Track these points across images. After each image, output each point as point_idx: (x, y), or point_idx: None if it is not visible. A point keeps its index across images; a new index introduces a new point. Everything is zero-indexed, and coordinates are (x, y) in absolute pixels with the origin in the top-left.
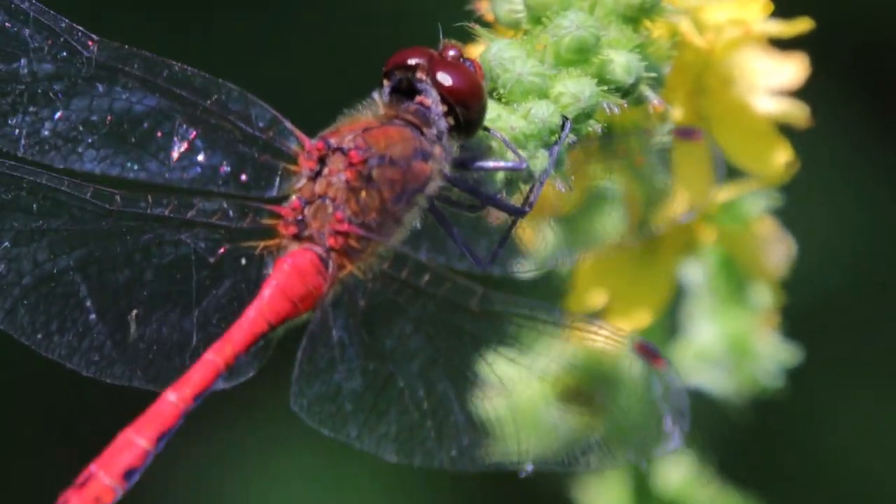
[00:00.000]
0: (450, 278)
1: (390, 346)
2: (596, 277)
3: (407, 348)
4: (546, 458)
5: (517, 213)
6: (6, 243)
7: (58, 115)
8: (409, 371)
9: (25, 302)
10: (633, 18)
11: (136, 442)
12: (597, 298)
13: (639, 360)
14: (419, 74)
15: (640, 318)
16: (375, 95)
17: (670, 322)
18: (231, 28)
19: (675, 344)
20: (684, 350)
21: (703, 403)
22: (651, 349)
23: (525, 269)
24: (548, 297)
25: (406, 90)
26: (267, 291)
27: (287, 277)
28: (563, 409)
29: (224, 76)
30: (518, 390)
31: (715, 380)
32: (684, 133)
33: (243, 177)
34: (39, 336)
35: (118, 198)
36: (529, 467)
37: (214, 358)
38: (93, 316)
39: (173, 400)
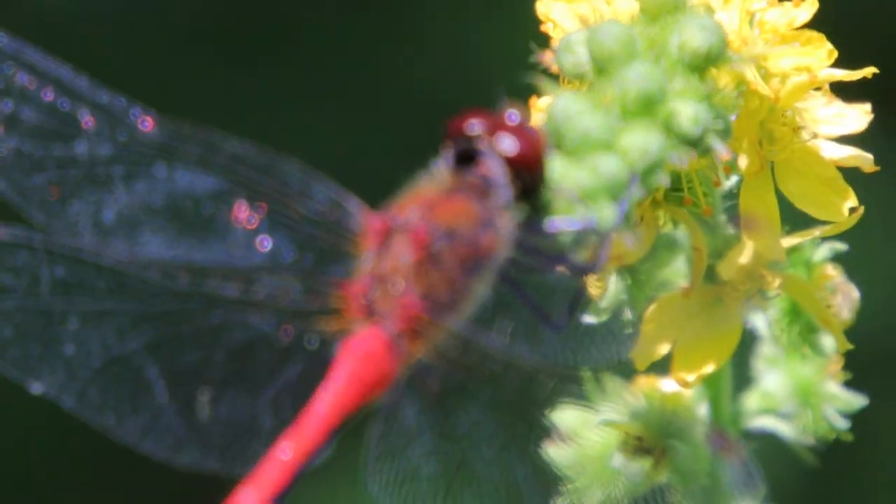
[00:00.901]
0: (520, 366)
1: (463, 432)
2: (661, 327)
3: (480, 433)
4: None
5: (587, 272)
6: (74, 325)
7: (120, 199)
8: (482, 456)
9: (95, 384)
10: (699, 68)
11: None
12: (662, 348)
13: (710, 449)
14: (481, 140)
15: (706, 366)
16: (437, 162)
17: (736, 369)
18: (286, 89)
19: (741, 391)
20: (750, 396)
21: (769, 449)
22: (723, 437)
23: (592, 320)
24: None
25: (468, 156)
26: (338, 380)
27: (358, 363)
28: (630, 460)
29: (276, 139)
30: (586, 442)
31: (780, 426)
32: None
33: (308, 260)
34: (111, 419)
35: (185, 278)
36: None
37: (288, 454)
38: (164, 398)
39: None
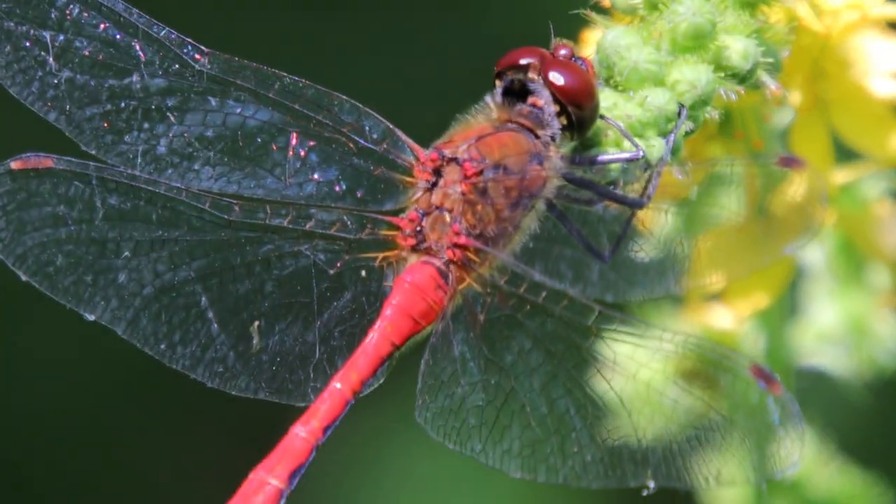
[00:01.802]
0: (567, 295)
1: (510, 361)
2: (713, 261)
3: (527, 363)
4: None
5: (636, 205)
6: (126, 253)
7: (172, 131)
8: (529, 386)
9: (147, 312)
10: (750, 4)
11: (268, 482)
12: (714, 282)
13: (755, 385)
14: (531, 74)
15: (758, 301)
16: (488, 98)
17: (789, 303)
18: (335, 30)
19: (793, 325)
20: (803, 331)
21: (822, 384)
22: (767, 373)
23: (644, 254)
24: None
25: (518, 91)
26: (388, 311)
27: (408, 295)
28: (684, 387)
29: (329, 82)
30: (638, 372)
31: (834, 360)
32: (787, 161)
33: (359, 192)
34: (163, 346)
35: (237, 208)
36: (652, 484)
37: (342, 387)
38: (215, 327)
39: (303, 434)
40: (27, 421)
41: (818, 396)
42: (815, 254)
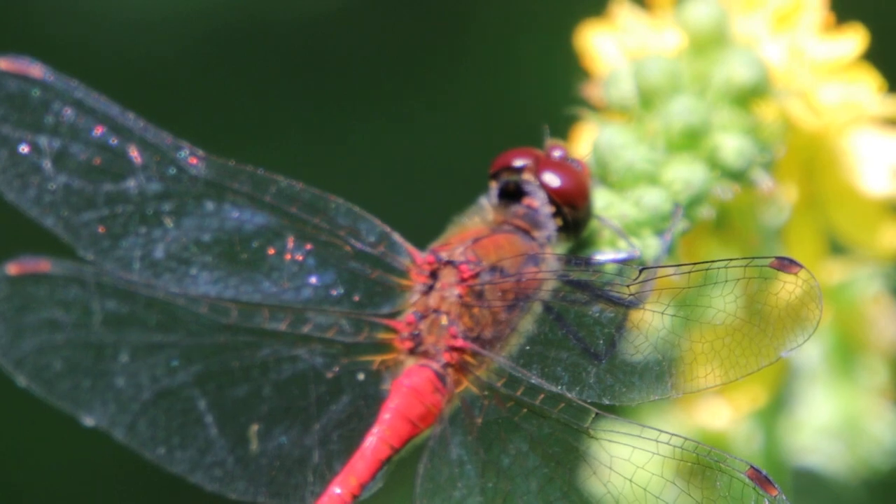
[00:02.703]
0: (564, 398)
1: (507, 464)
2: (710, 364)
3: (524, 466)
4: None
5: (631, 306)
6: (124, 358)
7: (169, 236)
8: (526, 489)
9: (145, 417)
10: (744, 101)
11: None
12: (712, 385)
13: (752, 487)
14: (526, 176)
15: (754, 398)
16: (483, 199)
17: (784, 401)
18: (332, 133)
19: (789, 422)
20: (799, 429)
21: (818, 483)
22: (763, 476)
23: (640, 356)
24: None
25: (513, 192)
26: (387, 415)
27: (406, 398)
28: (681, 489)
29: (323, 185)
30: (634, 475)
31: (830, 459)
32: (783, 264)
33: (356, 295)
34: (161, 451)
35: (234, 312)
36: None
37: (341, 492)
38: (213, 431)
39: None
40: None
41: (814, 496)
42: (810, 350)
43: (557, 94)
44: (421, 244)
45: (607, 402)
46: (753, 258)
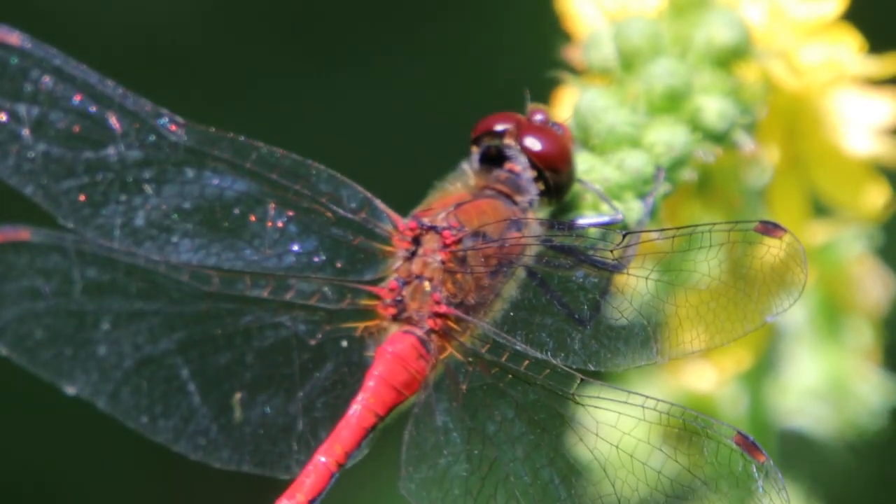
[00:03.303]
0: (549, 364)
1: (493, 431)
2: (695, 329)
3: (510, 433)
4: None
5: (615, 270)
6: (106, 326)
7: (149, 203)
8: (513, 456)
9: (127, 386)
10: (726, 63)
11: None
12: (697, 350)
13: (739, 453)
14: (507, 140)
15: (739, 360)
16: (464, 164)
17: (769, 363)
18: (312, 92)
19: (775, 385)
20: (785, 391)
21: (805, 445)
22: (750, 442)
23: (625, 320)
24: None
25: (495, 157)
26: (371, 382)
27: (390, 365)
28: (668, 456)
29: (304, 148)
30: (621, 440)
31: (817, 421)
32: (767, 228)
33: (339, 262)
34: (144, 419)
35: (216, 279)
36: None
37: (326, 460)
38: (196, 399)
39: None
40: None
41: (801, 458)
42: (796, 312)
43: (539, 57)
44: (402, 208)
45: (593, 368)
46: (737, 222)
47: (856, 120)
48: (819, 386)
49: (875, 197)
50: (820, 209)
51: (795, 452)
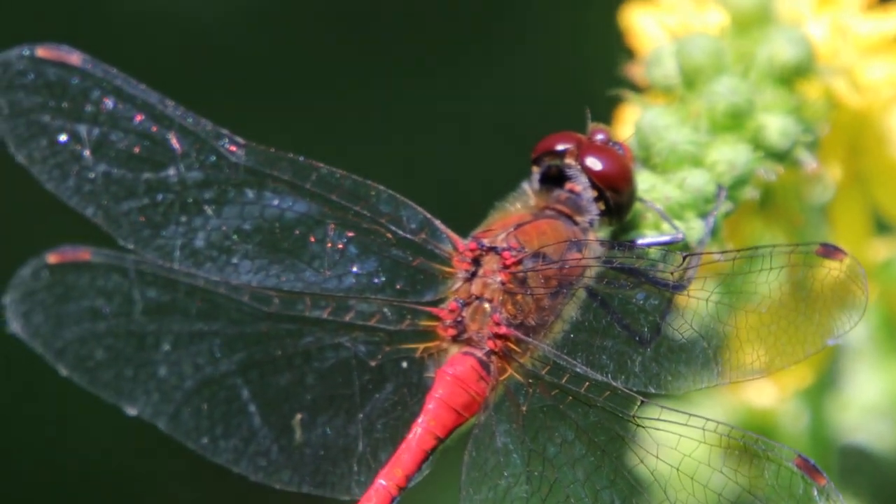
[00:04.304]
0: (609, 386)
1: (553, 452)
2: (757, 336)
3: (570, 454)
4: None
5: (676, 290)
6: (166, 347)
7: (210, 224)
8: (573, 477)
9: (188, 406)
10: (788, 80)
11: None
12: (757, 357)
13: (800, 476)
14: (568, 160)
15: (801, 377)
16: (525, 184)
17: (831, 379)
18: (374, 120)
19: (836, 401)
20: (846, 407)
21: (866, 461)
22: (811, 465)
23: (686, 342)
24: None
25: (555, 177)
26: (431, 405)
27: (450, 388)
28: (728, 478)
29: (362, 170)
30: (681, 462)
31: (878, 437)
32: (828, 251)
33: (398, 283)
34: (205, 441)
35: (276, 300)
36: None
37: (387, 484)
38: (257, 420)
39: None
40: None
41: (862, 474)
42: (857, 328)
43: (603, 74)
44: (463, 229)
45: (653, 391)
46: (798, 245)
47: None
48: (880, 402)
49: None
50: (882, 226)
51: (856, 468)
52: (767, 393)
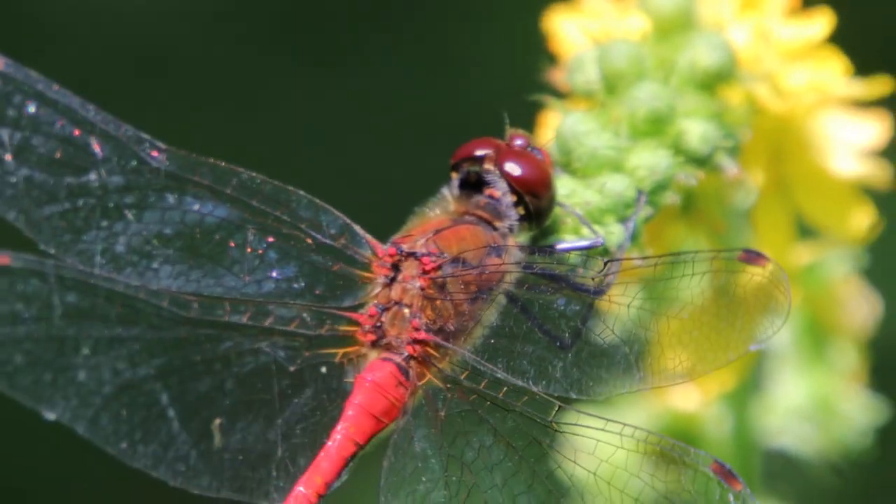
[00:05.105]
0: (527, 391)
1: (472, 457)
2: (679, 341)
3: (488, 459)
4: None
5: (596, 294)
6: (85, 352)
7: (130, 229)
8: (491, 482)
9: (107, 411)
10: (710, 85)
11: None
12: (679, 363)
13: (716, 481)
14: (487, 165)
15: (725, 381)
16: (444, 190)
17: (754, 383)
18: (289, 119)
19: (759, 405)
20: (770, 411)
21: (789, 465)
22: (727, 470)
23: (606, 346)
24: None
25: (474, 182)
26: (350, 412)
27: (369, 394)
28: (645, 483)
29: (279, 172)
30: (598, 468)
31: (801, 440)
32: (750, 256)
33: (318, 288)
34: (124, 445)
35: (195, 305)
36: None
37: (306, 491)
38: (176, 425)
39: None
40: None
41: (786, 478)
42: (781, 332)
43: (522, 79)
44: (382, 234)
45: (574, 396)
46: (721, 250)
47: (841, 142)
48: (804, 405)
49: (861, 219)
50: (805, 231)
51: (780, 472)
52: (692, 397)
